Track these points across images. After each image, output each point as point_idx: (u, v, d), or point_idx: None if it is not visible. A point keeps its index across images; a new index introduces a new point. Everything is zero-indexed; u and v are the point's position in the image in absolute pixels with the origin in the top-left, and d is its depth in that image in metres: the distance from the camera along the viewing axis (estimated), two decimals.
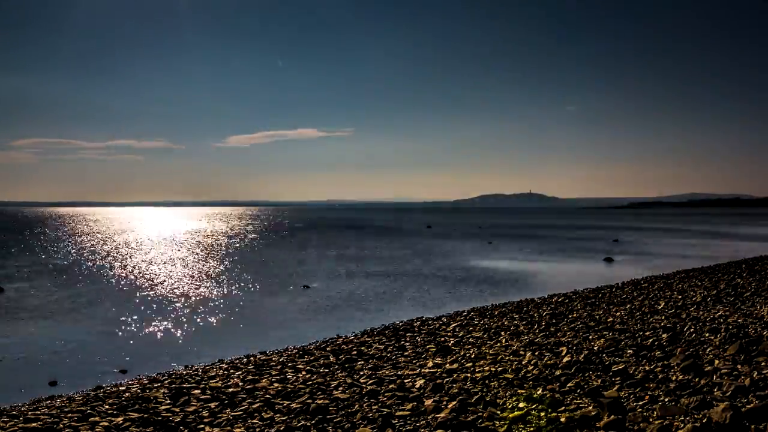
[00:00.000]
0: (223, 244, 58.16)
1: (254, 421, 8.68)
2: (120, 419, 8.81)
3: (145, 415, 8.96)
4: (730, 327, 11.72)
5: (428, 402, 8.83)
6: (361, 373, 11.33)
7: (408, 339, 14.81)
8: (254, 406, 9.32)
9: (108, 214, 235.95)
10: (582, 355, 10.55)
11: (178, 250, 50.37)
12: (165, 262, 39.65)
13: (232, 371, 12.19)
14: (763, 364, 8.37)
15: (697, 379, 8.13)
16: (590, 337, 12.68)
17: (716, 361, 8.99)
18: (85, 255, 45.57)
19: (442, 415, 8.00)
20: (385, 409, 8.72)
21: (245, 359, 13.58)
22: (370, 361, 12.44)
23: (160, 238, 70.19)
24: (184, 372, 12.53)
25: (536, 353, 11.49)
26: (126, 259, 42.37)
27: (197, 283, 28.94)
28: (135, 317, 19.89)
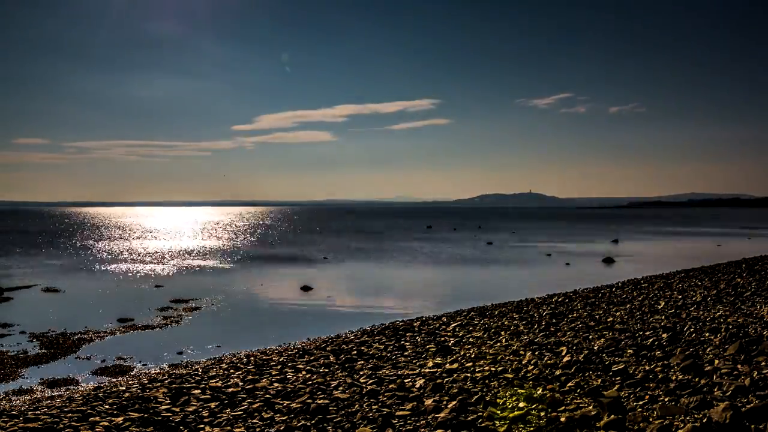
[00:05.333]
0: (224, 245, 58.16)
1: (254, 421, 8.68)
2: (120, 419, 8.81)
3: (145, 415, 8.96)
4: (730, 327, 11.71)
5: (428, 402, 8.82)
6: (361, 372, 11.33)
7: (408, 339, 14.81)
8: (254, 406, 9.31)
9: (108, 214, 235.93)
10: (582, 355, 10.55)
11: (181, 251, 50.38)
12: (166, 263, 39.66)
13: (232, 371, 12.18)
14: (763, 364, 8.36)
15: (697, 379, 8.12)
16: (590, 336, 12.67)
17: (716, 361, 8.98)
18: (95, 253, 45.57)
19: (442, 415, 8.00)
20: (385, 409, 8.72)
21: (245, 359, 13.58)
22: (370, 361, 12.44)
23: (167, 238, 70.22)
24: (184, 372, 12.52)
25: (536, 353, 11.49)
26: (131, 258, 42.36)
27: (198, 283, 28.93)
28: (135, 316, 19.89)
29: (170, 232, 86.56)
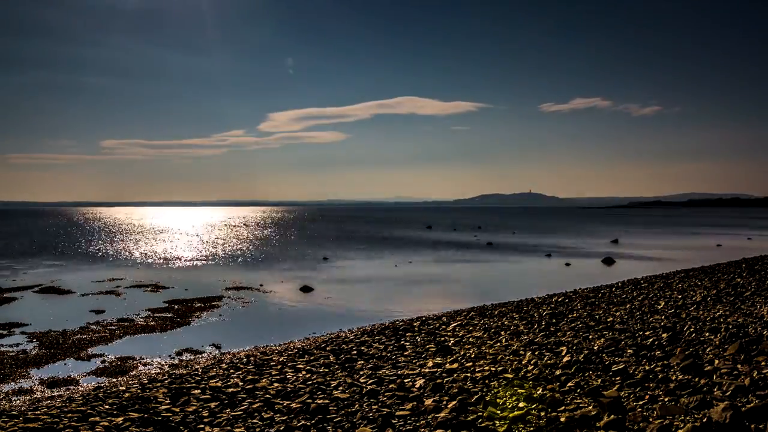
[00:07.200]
0: (224, 245, 58.15)
1: (254, 421, 8.68)
2: (120, 419, 8.81)
3: (145, 415, 8.96)
4: (730, 327, 11.70)
5: (428, 402, 8.82)
6: (361, 372, 11.33)
7: (408, 339, 14.81)
8: (254, 406, 9.31)
9: (115, 215, 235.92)
10: (582, 355, 10.54)
11: (181, 252, 50.37)
12: (166, 263, 39.65)
13: (232, 371, 12.18)
14: (763, 363, 8.36)
15: (697, 379, 8.12)
16: (590, 336, 12.67)
17: (716, 361, 8.98)
18: (96, 253, 45.56)
19: (442, 414, 7.99)
20: (385, 409, 8.72)
21: (245, 359, 13.58)
22: (370, 360, 12.44)
23: (168, 239, 70.23)
24: (184, 372, 12.52)
25: (536, 353, 11.49)
26: (132, 259, 42.36)
27: (198, 284, 28.93)
28: (135, 317, 19.89)
29: (171, 232, 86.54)
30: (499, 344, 13.00)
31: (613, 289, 22.66)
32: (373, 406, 8.91)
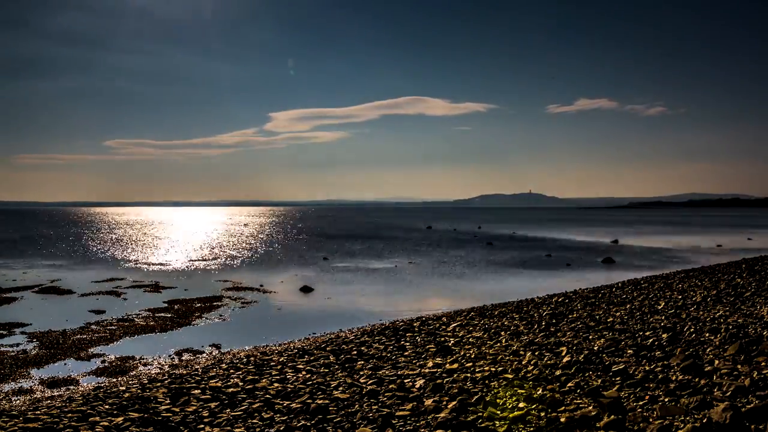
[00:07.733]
0: (224, 246, 58.18)
1: (254, 421, 8.68)
2: (120, 419, 8.81)
3: (145, 415, 8.96)
4: (730, 327, 11.69)
5: (428, 402, 8.82)
6: (361, 373, 11.33)
7: (408, 339, 14.80)
8: (254, 406, 9.31)
9: (118, 214, 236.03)
10: (582, 355, 10.54)
11: (181, 252, 50.39)
12: (167, 263, 39.66)
13: (232, 371, 12.18)
14: (763, 364, 8.36)
15: (697, 379, 8.12)
16: (590, 337, 12.67)
17: (716, 361, 8.98)
18: (96, 253, 45.57)
19: (442, 415, 7.99)
20: (385, 409, 8.72)
21: (245, 359, 13.58)
22: (370, 361, 12.43)
23: (169, 239, 70.25)
24: (184, 372, 12.52)
25: (536, 353, 11.49)
26: (132, 258, 42.37)
27: (198, 284, 28.93)
28: (135, 317, 19.89)
29: (172, 232, 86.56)
30: (499, 344, 12.99)
31: (613, 289, 22.66)
32: (373, 407, 8.91)
